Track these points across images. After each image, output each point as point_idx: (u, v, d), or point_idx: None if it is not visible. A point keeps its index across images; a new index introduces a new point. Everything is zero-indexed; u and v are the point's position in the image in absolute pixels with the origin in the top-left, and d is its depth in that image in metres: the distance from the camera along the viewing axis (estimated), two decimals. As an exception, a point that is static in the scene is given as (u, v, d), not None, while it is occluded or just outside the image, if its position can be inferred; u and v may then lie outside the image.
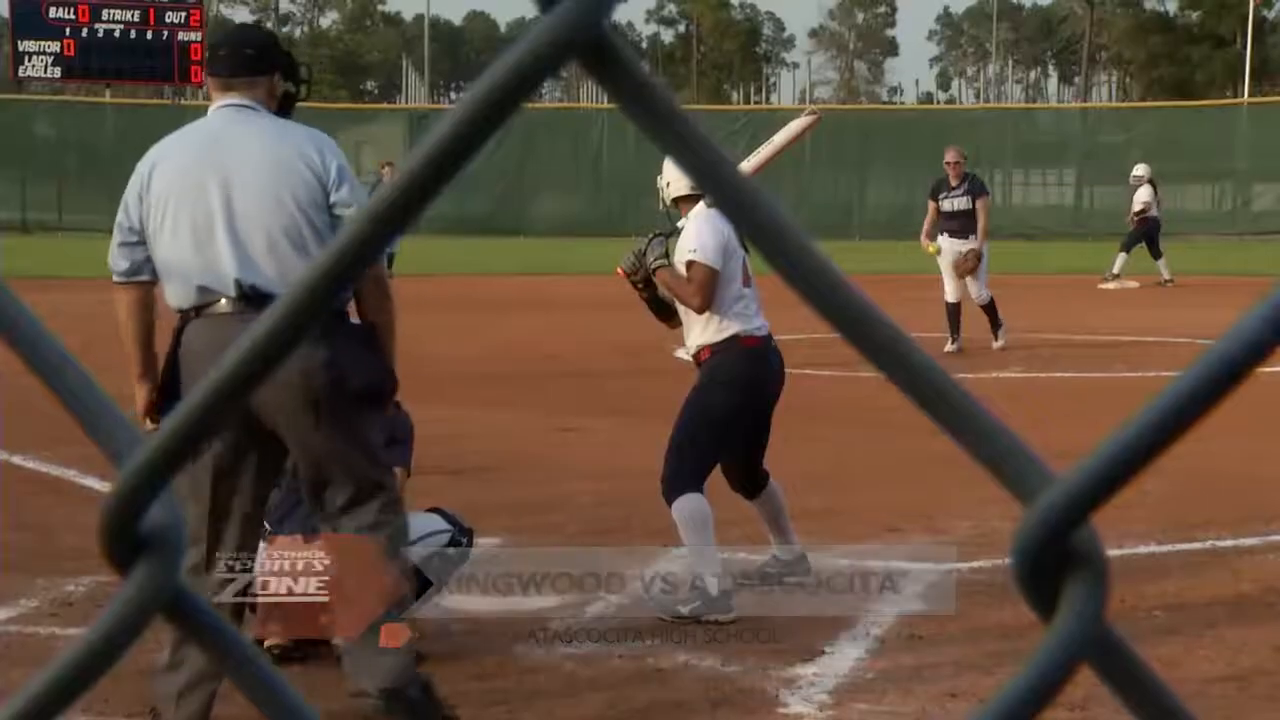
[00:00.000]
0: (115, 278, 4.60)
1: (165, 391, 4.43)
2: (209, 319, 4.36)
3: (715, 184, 0.61)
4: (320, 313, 0.63)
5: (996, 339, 14.88)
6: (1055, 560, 0.56)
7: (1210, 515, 7.37)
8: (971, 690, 4.92)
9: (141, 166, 4.57)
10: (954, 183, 14.85)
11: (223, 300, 4.36)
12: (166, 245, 4.43)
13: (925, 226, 14.95)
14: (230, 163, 4.42)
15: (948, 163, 14.91)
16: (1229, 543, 6.89)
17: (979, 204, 14.77)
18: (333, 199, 4.44)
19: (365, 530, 4.46)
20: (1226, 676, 5.07)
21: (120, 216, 4.54)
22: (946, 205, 14.80)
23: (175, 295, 4.48)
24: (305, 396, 4.31)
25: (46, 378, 0.62)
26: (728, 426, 5.92)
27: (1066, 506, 0.55)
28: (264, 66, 4.61)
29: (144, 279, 4.54)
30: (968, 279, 14.68)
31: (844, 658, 5.28)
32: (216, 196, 4.39)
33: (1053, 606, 0.56)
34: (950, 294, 14.75)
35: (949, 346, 14.49)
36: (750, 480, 6.14)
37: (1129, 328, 17.12)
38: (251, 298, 4.32)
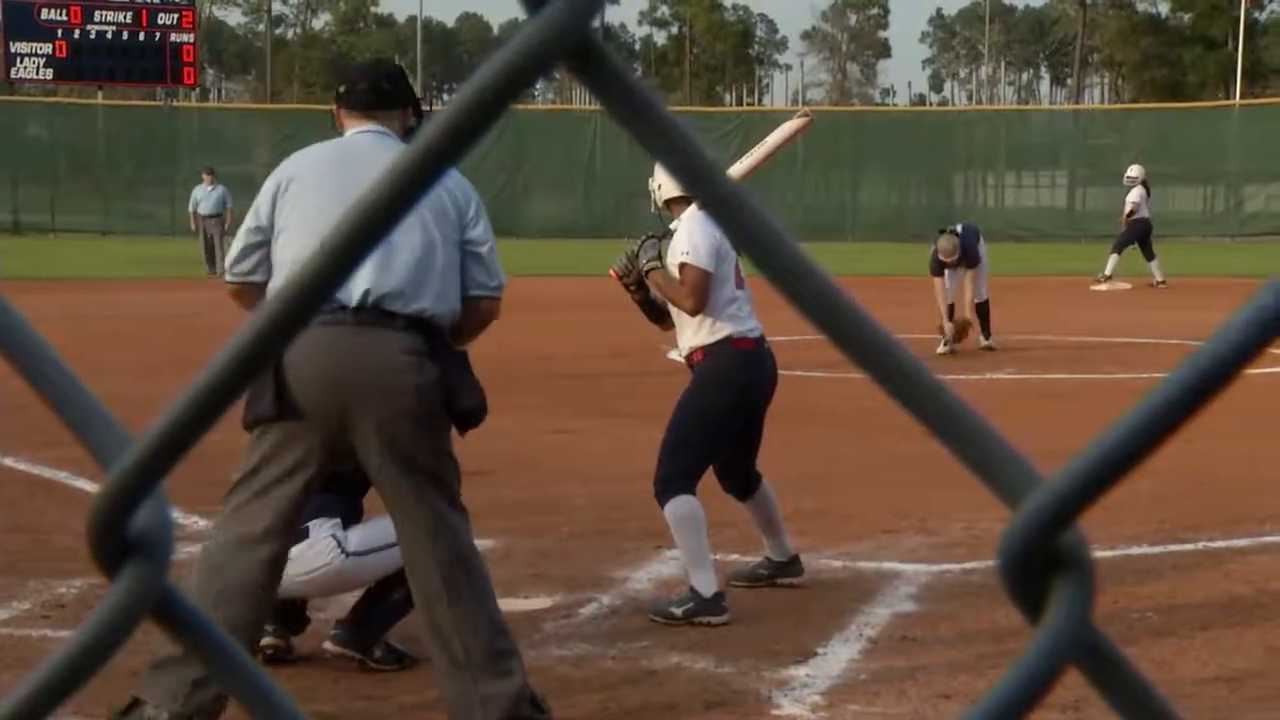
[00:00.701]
0: (231, 278, 4.68)
1: (271, 405, 4.40)
2: (324, 328, 4.37)
3: (702, 187, 0.61)
4: (309, 316, 0.63)
5: (985, 338, 15.00)
6: (1042, 562, 0.55)
7: (1203, 517, 7.39)
8: (964, 691, 4.93)
9: (279, 175, 4.70)
10: (955, 261, 14.90)
11: (341, 309, 4.40)
12: (298, 242, 4.47)
13: (939, 300, 14.86)
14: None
15: (943, 254, 14.77)
16: (1221, 544, 6.90)
17: (969, 270, 14.92)
18: (468, 235, 4.63)
19: (461, 558, 4.51)
20: (1219, 678, 5.08)
21: (249, 221, 4.65)
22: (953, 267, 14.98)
23: None
24: (418, 410, 4.43)
25: (33, 379, 0.62)
26: (720, 428, 5.93)
27: (1053, 509, 0.55)
28: (401, 100, 4.84)
29: (258, 280, 4.61)
30: (968, 280, 14.86)
31: (837, 659, 5.28)
32: None
33: (1040, 609, 0.56)
34: (944, 296, 14.86)
35: (941, 348, 14.50)
36: (743, 482, 6.15)
37: (1121, 329, 17.15)
38: (370, 310, 4.42)
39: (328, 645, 5.22)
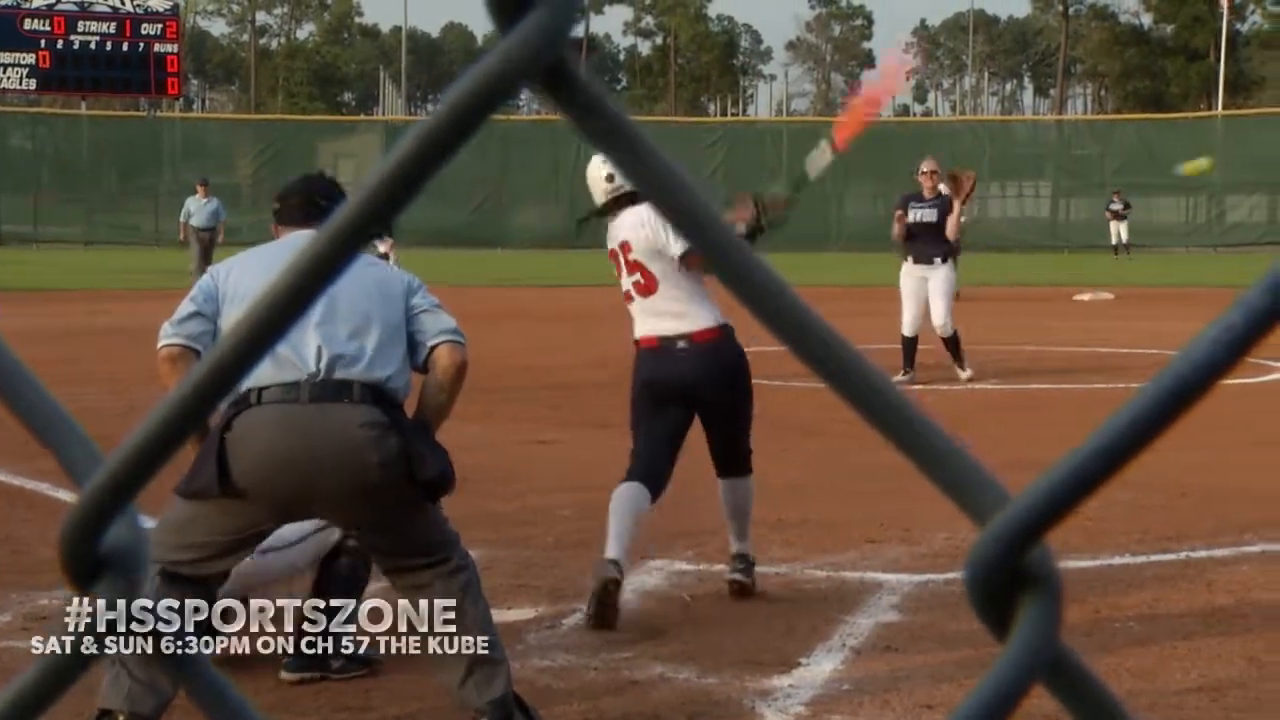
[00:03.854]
0: (175, 340, 4.57)
1: (214, 482, 4.36)
2: (276, 406, 4.38)
3: (673, 207, 0.61)
4: (284, 329, 0.63)
5: (963, 369, 13.82)
6: (1009, 580, 0.56)
7: (1184, 527, 7.40)
8: (947, 701, 4.93)
9: (218, 266, 4.78)
10: (927, 195, 13.91)
11: (294, 386, 4.40)
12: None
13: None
14: None
15: (923, 173, 13.97)
16: (1203, 554, 6.91)
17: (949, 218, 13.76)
18: (413, 300, 4.71)
19: (454, 586, 4.56)
20: (1200, 687, 5.09)
21: (195, 294, 4.65)
22: (913, 215, 13.74)
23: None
24: (382, 486, 4.40)
25: (6, 396, 0.62)
26: (636, 421, 6.26)
27: (1020, 527, 0.55)
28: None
29: (200, 348, 4.56)
30: (930, 303, 13.68)
31: (820, 669, 5.29)
32: None
33: (1007, 626, 0.56)
34: (908, 327, 13.76)
35: (900, 377, 13.31)
36: (720, 459, 6.33)
37: (1104, 339, 17.19)
38: (325, 382, 4.41)
39: (284, 675, 5.15)
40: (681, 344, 6.16)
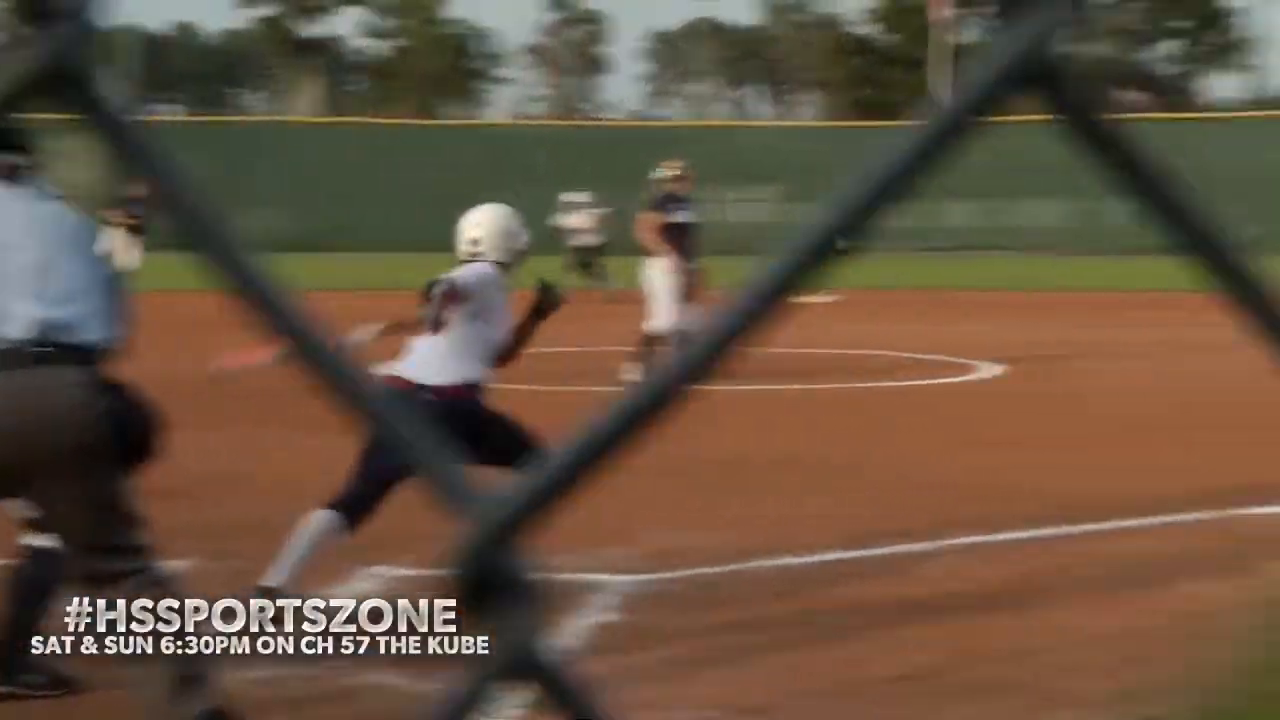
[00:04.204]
0: None
1: None
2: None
3: (170, 203, 0.60)
4: None
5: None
6: (491, 582, 0.56)
7: (890, 523, 7.64)
8: (659, 700, 4.99)
9: None
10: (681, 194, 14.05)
11: (3, 354, 4.26)
12: None
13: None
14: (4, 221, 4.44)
15: (672, 178, 14.21)
16: (908, 548, 7.15)
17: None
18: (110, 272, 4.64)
19: (153, 596, 4.44)
20: (904, 675, 5.26)
21: None
22: (678, 216, 13.89)
23: None
24: (93, 446, 4.29)
25: None
26: (370, 450, 6.05)
27: (493, 529, 0.55)
28: None
29: None
30: (676, 300, 13.67)
31: (536, 672, 5.30)
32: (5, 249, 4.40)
33: (492, 627, 0.56)
34: (667, 323, 13.63)
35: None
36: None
37: (810, 341, 17.56)
38: (38, 346, 4.30)
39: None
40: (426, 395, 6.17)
